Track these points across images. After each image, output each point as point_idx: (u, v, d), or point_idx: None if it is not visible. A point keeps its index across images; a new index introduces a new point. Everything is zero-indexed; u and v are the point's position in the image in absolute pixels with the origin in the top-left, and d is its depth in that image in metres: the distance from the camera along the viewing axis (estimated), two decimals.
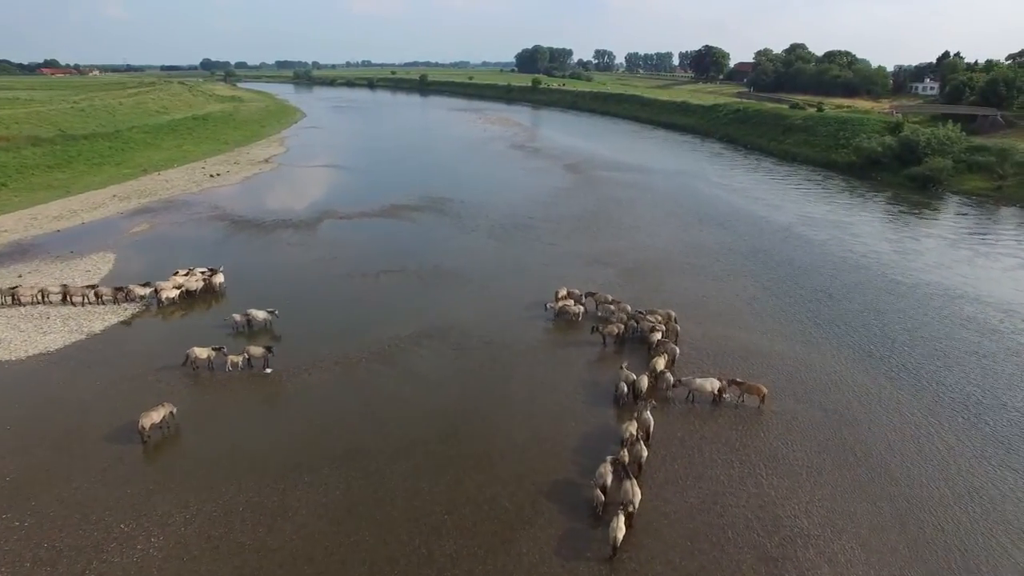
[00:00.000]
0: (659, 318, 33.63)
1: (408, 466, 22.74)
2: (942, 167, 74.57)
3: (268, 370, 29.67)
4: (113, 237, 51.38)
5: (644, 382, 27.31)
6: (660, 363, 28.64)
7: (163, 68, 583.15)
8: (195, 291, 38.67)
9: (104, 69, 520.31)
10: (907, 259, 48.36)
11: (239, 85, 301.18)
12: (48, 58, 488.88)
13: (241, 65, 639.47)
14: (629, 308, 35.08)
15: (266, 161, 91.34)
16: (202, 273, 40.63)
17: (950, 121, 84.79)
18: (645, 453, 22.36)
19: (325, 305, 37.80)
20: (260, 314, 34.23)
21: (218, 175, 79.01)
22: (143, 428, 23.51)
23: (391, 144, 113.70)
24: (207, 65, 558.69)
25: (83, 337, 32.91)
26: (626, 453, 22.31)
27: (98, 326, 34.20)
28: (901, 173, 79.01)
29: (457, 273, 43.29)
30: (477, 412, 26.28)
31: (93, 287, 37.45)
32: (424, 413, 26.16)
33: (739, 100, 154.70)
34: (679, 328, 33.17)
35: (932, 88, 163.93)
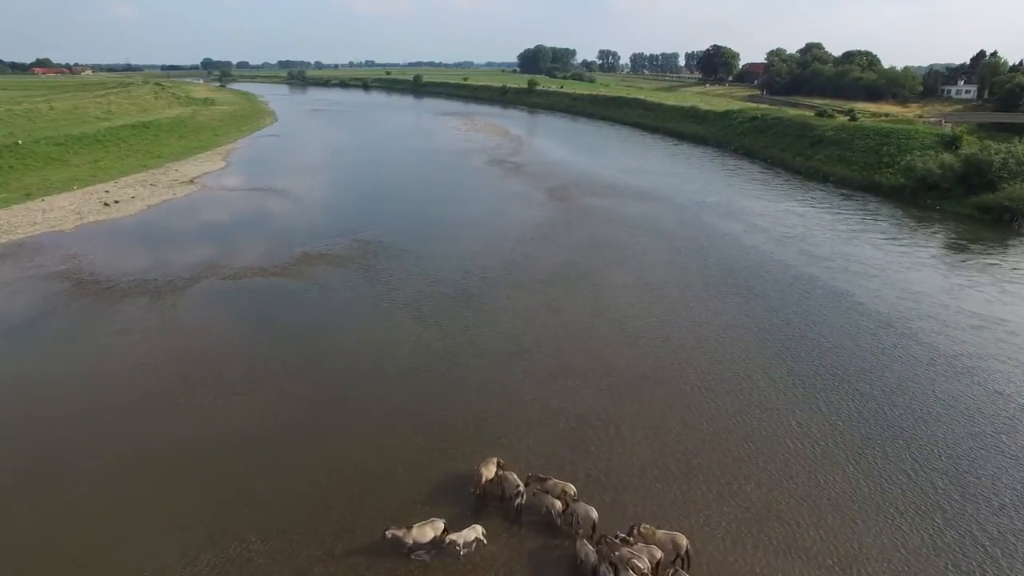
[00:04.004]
0: (656, 553, 17.70)
1: None
2: None
3: None
4: None
5: None
6: None
7: (164, 68, 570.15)
8: None
9: (102, 68, 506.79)
10: None
11: (230, 86, 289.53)
12: (42, 56, 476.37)
13: (243, 65, 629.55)
14: (595, 516, 19.25)
15: (191, 181, 75.77)
16: None
17: None
18: None
19: (78, 488, 21.94)
20: None
21: (116, 203, 63.54)
22: None
23: (350, 159, 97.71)
24: (207, 65, 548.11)
25: None
26: None
27: None
28: (967, 201, 62.84)
29: (331, 406, 26.84)
30: None
31: None
32: None
33: (754, 105, 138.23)
34: None
35: (968, 91, 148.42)
